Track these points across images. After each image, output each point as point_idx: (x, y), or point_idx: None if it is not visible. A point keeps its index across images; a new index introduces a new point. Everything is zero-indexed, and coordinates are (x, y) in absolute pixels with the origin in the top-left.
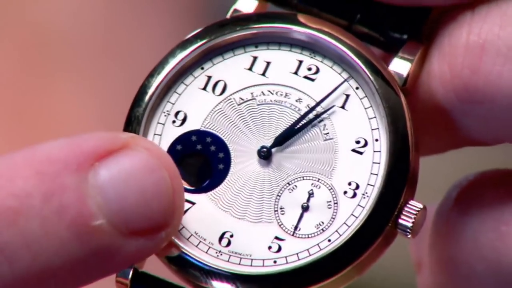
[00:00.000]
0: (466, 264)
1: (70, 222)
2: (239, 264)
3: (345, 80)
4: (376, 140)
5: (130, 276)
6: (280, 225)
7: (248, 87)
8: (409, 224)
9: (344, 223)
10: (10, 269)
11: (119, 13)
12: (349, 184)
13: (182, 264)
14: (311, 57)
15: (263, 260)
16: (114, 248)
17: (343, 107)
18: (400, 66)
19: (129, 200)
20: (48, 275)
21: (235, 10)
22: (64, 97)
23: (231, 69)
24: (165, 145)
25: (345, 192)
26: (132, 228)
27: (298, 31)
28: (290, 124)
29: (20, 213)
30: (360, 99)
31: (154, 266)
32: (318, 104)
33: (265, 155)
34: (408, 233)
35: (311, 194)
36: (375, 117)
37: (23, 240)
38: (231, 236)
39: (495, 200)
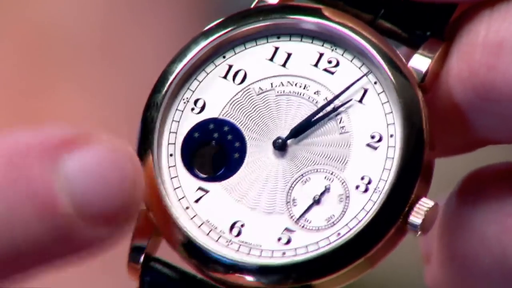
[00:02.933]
0: (472, 257)
1: (35, 207)
2: (248, 254)
3: (364, 75)
4: (391, 135)
5: (141, 261)
6: (291, 217)
7: (268, 77)
8: (419, 221)
9: (355, 217)
10: None
11: (120, 14)
12: (362, 178)
13: (193, 251)
14: (332, 50)
15: (272, 251)
16: (76, 233)
17: (360, 101)
18: (419, 62)
19: (93, 190)
20: (11, 258)
21: (260, 1)
22: (65, 97)
23: (253, 58)
24: (182, 131)
25: (357, 187)
26: (94, 216)
27: (321, 23)
28: (306, 116)
29: None
30: (378, 93)
31: (166, 253)
32: (336, 97)
33: (280, 146)
34: (417, 230)
35: (327, 189)
36: (391, 112)
37: None
38: (242, 225)
39: (501, 193)
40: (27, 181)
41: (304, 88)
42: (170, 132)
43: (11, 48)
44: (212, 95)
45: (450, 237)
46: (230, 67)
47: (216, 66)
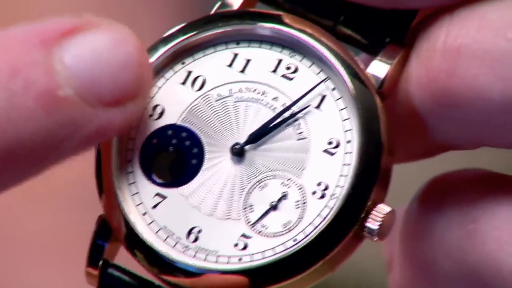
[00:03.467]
0: (433, 262)
1: (37, 94)
2: (205, 260)
3: (322, 81)
4: (349, 141)
5: (100, 265)
6: (248, 223)
7: (227, 83)
8: (375, 227)
9: (311, 223)
10: None
11: (112, 12)
12: (319, 184)
13: (150, 257)
14: (291, 56)
15: (229, 257)
16: (83, 118)
17: (318, 107)
18: (378, 68)
19: (96, 72)
20: (17, 148)
21: (220, 7)
22: None
23: (212, 65)
24: (141, 137)
25: (314, 193)
26: (100, 98)
27: (279, 30)
28: (264, 122)
29: None
30: (335, 100)
31: (123, 260)
32: (294, 103)
33: (237, 152)
34: (374, 236)
35: (284, 196)
36: (349, 118)
37: None
38: (199, 231)
39: (463, 199)
40: (26, 69)
41: (262, 94)
42: (128, 138)
43: None
44: (170, 101)
45: (411, 242)
46: (189, 73)
47: (175, 72)
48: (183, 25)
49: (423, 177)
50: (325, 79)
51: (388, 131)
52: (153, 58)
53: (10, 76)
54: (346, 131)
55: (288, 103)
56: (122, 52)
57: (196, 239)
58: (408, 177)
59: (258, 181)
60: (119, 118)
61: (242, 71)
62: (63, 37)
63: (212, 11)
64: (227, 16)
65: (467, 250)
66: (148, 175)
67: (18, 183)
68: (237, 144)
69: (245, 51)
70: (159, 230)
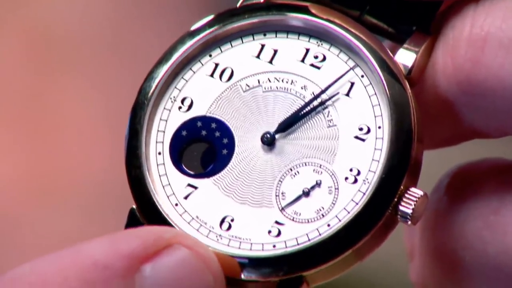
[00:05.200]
0: (454, 252)
1: None
2: (239, 248)
3: (351, 69)
4: (379, 127)
5: None
6: (280, 210)
7: (255, 74)
8: (409, 211)
9: (344, 208)
10: None
11: (125, 12)
12: (351, 170)
13: None
14: (318, 45)
15: (263, 244)
16: None
17: (347, 94)
18: (405, 56)
19: None
20: None
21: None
22: (70, 95)
23: (239, 56)
24: (170, 130)
25: (346, 178)
26: None
27: (306, 19)
28: (294, 110)
29: None
30: (365, 86)
31: None
32: (323, 91)
33: (268, 141)
34: (408, 220)
35: (318, 184)
36: (378, 104)
37: None
38: (232, 220)
39: (484, 189)
40: None
41: (291, 84)
42: (158, 131)
43: (18, 46)
44: (199, 93)
45: (432, 232)
46: (217, 65)
47: (202, 65)
48: (209, 18)
49: (444, 166)
50: (354, 66)
51: (418, 118)
52: (180, 51)
53: None
54: (377, 116)
55: (317, 91)
56: (200, 282)
57: (229, 228)
58: (431, 165)
59: (290, 169)
60: None
61: (270, 61)
62: (145, 262)
63: (238, 4)
64: (253, 8)
65: (487, 241)
66: (179, 166)
67: None
68: (267, 133)
69: (272, 42)
70: (191, 220)
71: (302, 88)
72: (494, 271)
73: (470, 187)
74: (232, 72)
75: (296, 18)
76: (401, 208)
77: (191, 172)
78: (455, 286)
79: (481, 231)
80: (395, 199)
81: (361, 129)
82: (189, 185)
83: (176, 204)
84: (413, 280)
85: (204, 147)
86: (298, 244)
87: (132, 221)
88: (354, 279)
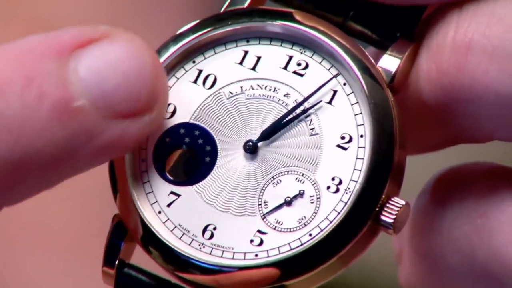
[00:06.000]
0: (441, 255)
1: (51, 105)
2: (221, 257)
3: (334, 77)
4: (361, 136)
5: (116, 265)
6: (263, 219)
7: (238, 81)
8: (390, 221)
9: (326, 218)
10: None
11: (127, 11)
12: (333, 179)
13: (166, 256)
14: (301, 53)
15: (245, 253)
16: (97, 130)
17: (330, 102)
18: (388, 63)
19: (111, 83)
20: (30, 158)
21: (232, 3)
22: None
23: (222, 63)
24: (154, 137)
25: (328, 187)
26: (114, 110)
27: (289, 26)
28: (277, 118)
29: (1, 96)
30: (347, 95)
31: (139, 259)
32: (305, 99)
33: (250, 149)
34: (390, 229)
35: (300, 194)
36: (361, 113)
37: (3, 123)
38: (214, 228)
39: (471, 193)
40: (40, 80)
41: (274, 91)
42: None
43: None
44: (182, 100)
45: (419, 236)
46: (200, 71)
47: (186, 71)
48: (193, 24)
49: (431, 170)
50: (336, 74)
51: (400, 125)
52: (163, 57)
53: (24, 87)
54: (359, 125)
55: (300, 99)
56: (137, 63)
57: (211, 236)
58: (417, 170)
59: (272, 177)
60: (133, 130)
61: (253, 68)
62: (78, 48)
63: (222, 10)
64: (237, 14)
65: (475, 245)
66: (162, 173)
67: (30, 195)
68: (250, 141)
69: (255, 49)
70: (174, 228)
71: (285, 96)
72: (482, 274)
73: (457, 190)
74: (215, 79)
75: (279, 25)
76: (382, 217)
77: (174, 180)
78: None
79: (468, 234)
80: (377, 209)
81: (343, 137)
82: (172, 192)
83: (159, 212)
84: (402, 283)
85: (187, 154)
86: (280, 253)
87: (117, 228)
88: (342, 283)
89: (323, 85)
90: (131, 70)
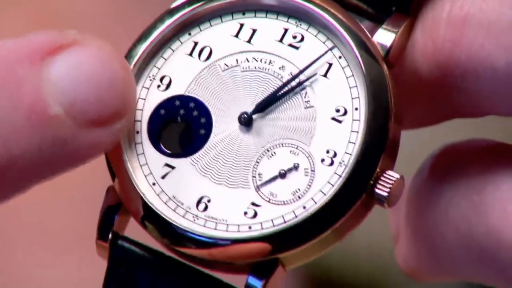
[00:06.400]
0: (438, 234)
1: (27, 112)
2: (215, 229)
3: (329, 50)
4: (356, 109)
5: (109, 238)
6: (257, 191)
7: (233, 53)
8: (385, 194)
9: (320, 190)
10: None
11: (127, 3)
12: (327, 152)
13: (160, 227)
14: (297, 26)
15: (239, 225)
16: (71, 138)
17: (325, 75)
18: (384, 37)
19: (83, 91)
20: (6, 166)
21: None
22: None
23: (218, 35)
24: (149, 109)
25: (322, 160)
26: (87, 118)
27: (285, 0)
28: (272, 91)
29: None
30: (342, 68)
31: (133, 231)
32: (300, 72)
33: (245, 121)
34: (384, 203)
35: (295, 167)
36: (356, 86)
37: None
38: (208, 201)
39: (468, 170)
40: (13, 88)
41: (269, 64)
42: (136, 110)
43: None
44: (178, 72)
45: (416, 214)
46: (196, 44)
47: (181, 44)
48: None
49: (428, 147)
50: (332, 47)
51: (395, 99)
52: (159, 30)
53: None
54: (354, 98)
55: (295, 71)
56: (108, 71)
57: (205, 208)
58: (414, 147)
59: (267, 149)
60: (105, 138)
61: (249, 41)
62: (49, 54)
63: None
64: None
65: (472, 222)
66: (157, 145)
67: (5, 197)
68: (245, 113)
69: (251, 21)
70: (168, 200)
71: (280, 69)
72: (479, 252)
73: (454, 168)
74: (211, 51)
75: None
76: (377, 191)
77: (169, 152)
78: (440, 268)
79: (465, 212)
80: (371, 182)
81: (338, 110)
82: (167, 164)
83: (154, 184)
84: (399, 262)
85: (182, 126)
86: (273, 226)
87: (110, 198)
88: (337, 261)
89: (319, 58)
90: (103, 78)
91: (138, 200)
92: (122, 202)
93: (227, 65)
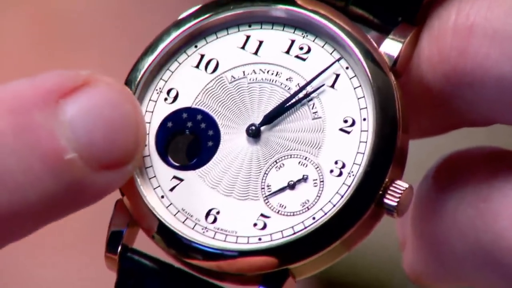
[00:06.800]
0: (445, 241)
1: (44, 157)
2: (225, 241)
3: (336, 60)
4: (364, 119)
5: (119, 251)
6: (266, 203)
7: (240, 65)
8: (394, 204)
9: (329, 201)
10: None
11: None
12: (336, 163)
13: (169, 240)
14: (303, 37)
15: (248, 237)
16: (86, 182)
17: (332, 86)
18: (391, 47)
19: (97, 134)
20: (24, 211)
21: None
22: None
23: (224, 47)
24: (156, 122)
25: (331, 171)
26: (101, 161)
27: (291, 10)
28: (279, 102)
29: None
30: (350, 78)
31: (143, 243)
32: (308, 83)
33: (253, 132)
34: (393, 213)
35: (304, 178)
36: (363, 96)
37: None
38: (218, 213)
39: (474, 177)
40: (30, 133)
41: (276, 75)
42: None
43: (26, 32)
44: (185, 84)
45: (423, 221)
46: (202, 56)
47: (188, 56)
48: (195, 8)
49: (434, 155)
50: (339, 58)
51: (403, 109)
52: (165, 42)
53: (16, 139)
54: (362, 109)
55: (302, 83)
56: (119, 112)
57: (214, 220)
58: (420, 155)
59: (275, 161)
60: (117, 179)
61: (255, 52)
62: (63, 97)
63: None
64: None
65: (479, 229)
66: (165, 158)
67: (17, 239)
68: (252, 125)
69: (257, 33)
70: (177, 212)
71: (287, 80)
72: (486, 259)
73: (460, 175)
74: (218, 63)
75: (281, 10)
76: (386, 201)
77: (177, 164)
78: (447, 274)
79: (472, 219)
80: (380, 192)
81: (346, 121)
82: (175, 177)
83: (162, 197)
84: (406, 269)
85: (190, 139)
86: (283, 237)
87: (119, 212)
88: (344, 267)
89: (326, 69)
90: (114, 121)
91: (147, 213)
92: (131, 214)
93: (234, 77)
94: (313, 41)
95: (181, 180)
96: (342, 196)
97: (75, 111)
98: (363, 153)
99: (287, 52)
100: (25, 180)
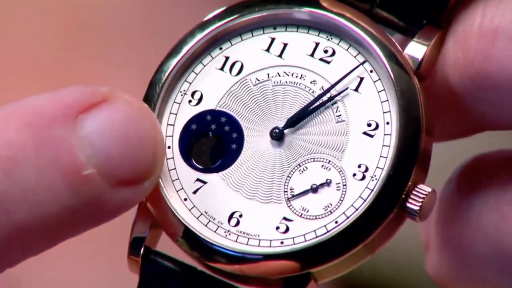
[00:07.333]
0: (469, 244)
1: (63, 172)
2: (247, 244)
3: (360, 64)
4: (388, 123)
5: (141, 253)
6: (288, 206)
7: (265, 68)
8: (417, 208)
9: (352, 205)
10: (8, 220)
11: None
12: (359, 166)
13: (192, 242)
14: (328, 40)
15: (271, 240)
16: (104, 198)
17: (356, 89)
18: (415, 50)
19: (115, 151)
20: (43, 225)
21: None
22: (101, 79)
23: (249, 50)
24: (180, 124)
25: (354, 175)
26: (119, 178)
27: (316, 13)
28: (303, 105)
29: (17, 164)
30: (374, 82)
31: (165, 245)
32: (332, 86)
33: (277, 135)
34: (416, 217)
35: (327, 182)
36: (387, 100)
37: (20, 191)
38: (240, 216)
39: (498, 180)
40: (51, 147)
41: (300, 78)
42: (167, 125)
43: (51, 30)
44: (209, 87)
45: (447, 224)
46: (227, 58)
47: (212, 58)
48: (220, 10)
49: (458, 158)
50: (363, 61)
51: (427, 112)
52: (190, 44)
53: (37, 153)
54: (385, 112)
55: (327, 86)
56: (137, 129)
57: (237, 223)
58: (444, 158)
59: (298, 164)
60: (135, 196)
61: (280, 55)
62: (82, 112)
63: None
64: (263, 1)
65: (503, 232)
66: (188, 161)
67: (34, 254)
68: (276, 128)
69: (282, 36)
70: (200, 215)
71: (311, 83)
72: (509, 261)
73: (484, 178)
74: (242, 65)
75: (306, 12)
76: (408, 205)
77: (200, 167)
78: (470, 277)
79: (496, 222)
80: (403, 196)
81: (369, 125)
82: (198, 179)
83: (185, 199)
84: (429, 272)
85: (213, 141)
86: (305, 240)
87: (142, 214)
88: (367, 269)
89: (350, 72)
90: (133, 138)
91: (170, 216)
92: (154, 216)
93: (258, 80)
94: (338, 44)
95: (204, 182)
96: (364, 200)
97: (94, 127)
98: (386, 157)
99: (312, 55)
100: (44, 194)
